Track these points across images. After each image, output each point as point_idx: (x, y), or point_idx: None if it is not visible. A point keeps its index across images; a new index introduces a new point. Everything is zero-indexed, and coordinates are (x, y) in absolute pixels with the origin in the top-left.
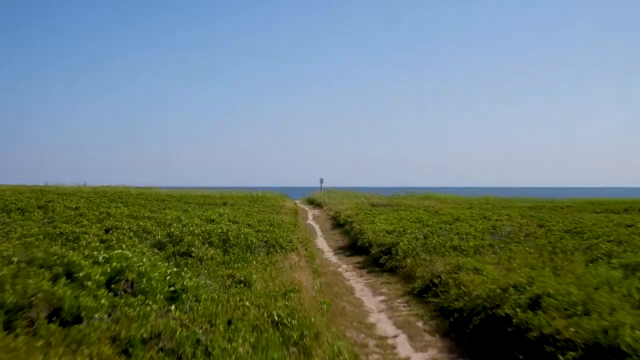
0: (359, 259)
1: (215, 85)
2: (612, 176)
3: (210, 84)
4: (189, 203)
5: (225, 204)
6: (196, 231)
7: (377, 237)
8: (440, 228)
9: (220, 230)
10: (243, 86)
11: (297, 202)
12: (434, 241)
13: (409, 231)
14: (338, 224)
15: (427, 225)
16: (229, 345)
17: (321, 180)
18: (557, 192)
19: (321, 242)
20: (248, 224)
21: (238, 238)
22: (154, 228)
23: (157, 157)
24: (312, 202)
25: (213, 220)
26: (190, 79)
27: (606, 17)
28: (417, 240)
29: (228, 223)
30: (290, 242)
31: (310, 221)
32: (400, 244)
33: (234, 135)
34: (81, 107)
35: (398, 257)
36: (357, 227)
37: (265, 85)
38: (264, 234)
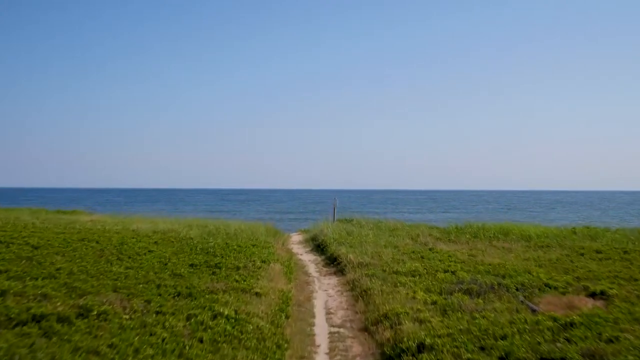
0: None
1: (216, 87)
2: (611, 178)
3: (213, 86)
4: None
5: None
6: None
7: None
8: None
9: None
10: (246, 87)
11: (295, 240)
12: None
13: None
14: None
15: None
16: None
17: (334, 204)
18: (557, 195)
19: None
20: None
21: None
22: None
23: (163, 158)
24: (322, 249)
25: None
26: (199, 79)
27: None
28: None
29: None
30: None
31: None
32: None
33: (239, 137)
34: (80, 107)
35: None
36: None
37: (270, 87)
38: None
